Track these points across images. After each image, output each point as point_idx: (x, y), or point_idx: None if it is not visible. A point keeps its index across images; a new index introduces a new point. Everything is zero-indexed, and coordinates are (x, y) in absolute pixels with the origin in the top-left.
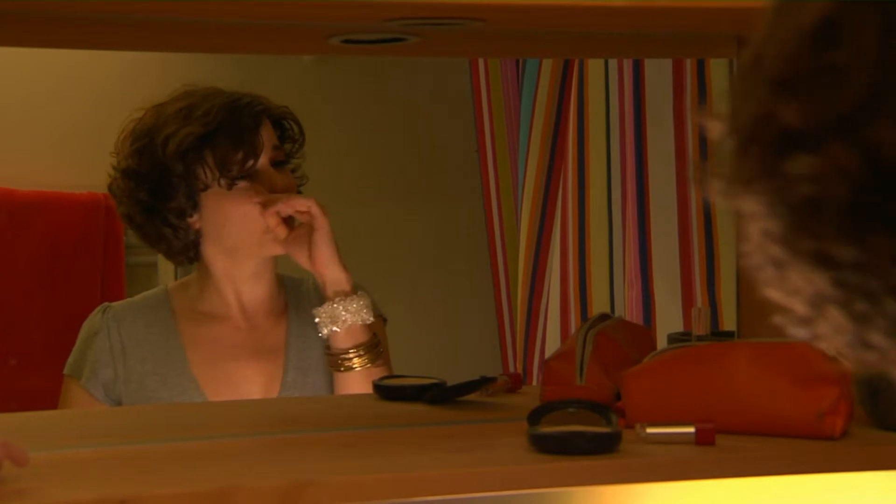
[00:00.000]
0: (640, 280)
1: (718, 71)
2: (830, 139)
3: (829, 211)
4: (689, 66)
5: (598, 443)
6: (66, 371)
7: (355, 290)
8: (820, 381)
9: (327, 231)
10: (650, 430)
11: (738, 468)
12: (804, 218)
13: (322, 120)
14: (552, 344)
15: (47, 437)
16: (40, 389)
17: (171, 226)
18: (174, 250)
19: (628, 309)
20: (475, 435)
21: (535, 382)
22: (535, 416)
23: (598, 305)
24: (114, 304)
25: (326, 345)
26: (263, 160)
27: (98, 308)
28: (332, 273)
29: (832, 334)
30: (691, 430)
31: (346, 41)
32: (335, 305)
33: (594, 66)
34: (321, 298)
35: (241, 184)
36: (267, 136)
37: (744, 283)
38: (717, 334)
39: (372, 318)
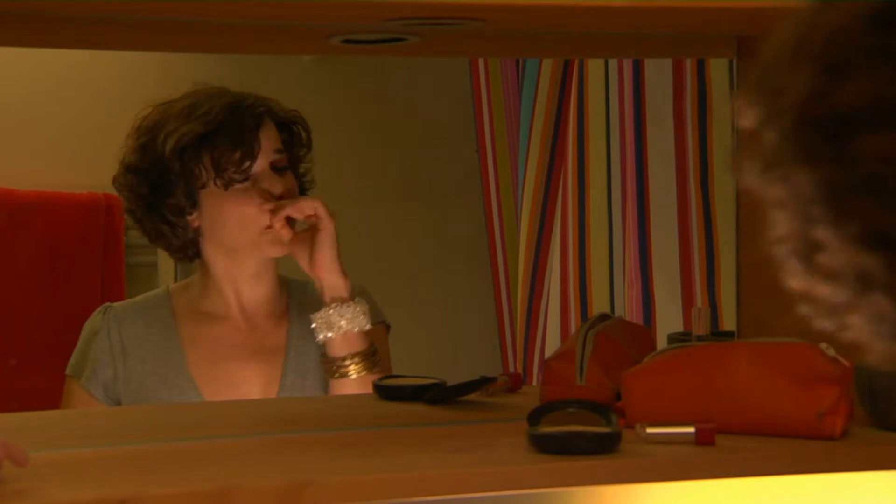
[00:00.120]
0: (640, 280)
1: (718, 71)
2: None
3: (888, 190)
4: (689, 66)
5: (598, 443)
6: (67, 371)
7: (353, 296)
8: (820, 381)
9: (331, 234)
10: (650, 430)
11: (738, 468)
12: (860, 198)
13: (322, 120)
14: (552, 344)
15: (47, 437)
16: (40, 389)
17: (169, 223)
18: (173, 247)
19: (628, 309)
20: (475, 435)
21: (535, 382)
22: (535, 416)
23: (598, 305)
24: (115, 304)
25: (322, 351)
26: (262, 163)
27: (99, 308)
28: (330, 278)
29: (868, 323)
30: (691, 430)
31: (346, 41)
32: (331, 312)
33: (594, 66)
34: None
35: (239, 185)
36: (268, 139)
37: (744, 283)
38: (717, 334)
39: (369, 326)
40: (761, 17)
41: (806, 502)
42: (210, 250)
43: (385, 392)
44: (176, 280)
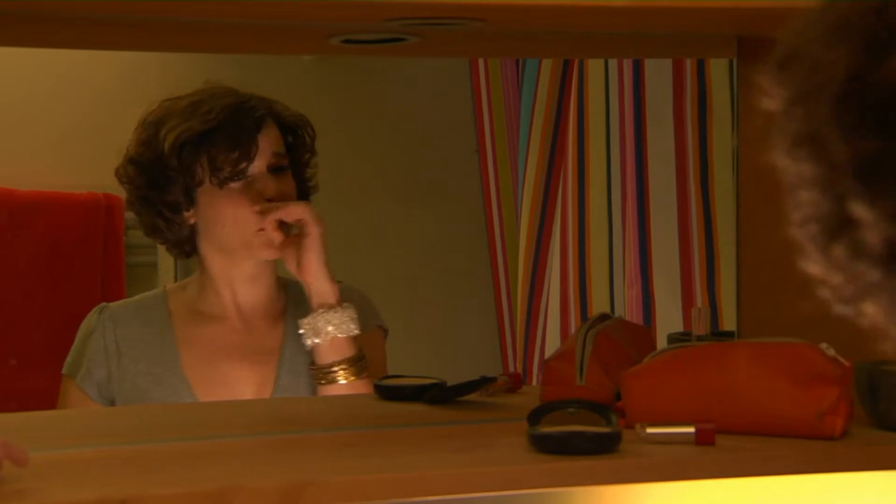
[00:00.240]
0: (640, 280)
1: (718, 71)
2: None
3: None
4: (689, 66)
5: (598, 443)
6: (63, 371)
7: (341, 301)
8: (820, 381)
9: (318, 238)
10: (650, 430)
11: (738, 468)
12: None
13: (322, 120)
14: (552, 344)
15: (47, 437)
16: (40, 389)
17: (165, 218)
18: (169, 242)
19: (628, 309)
20: (475, 435)
21: (535, 382)
22: (535, 416)
23: (598, 305)
24: (111, 304)
25: (311, 358)
26: (259, 164)
27: (95, 308)
28: (317, 283)
29: (891, 305)
30: (691, 430)
31: (346, 41)
32: (317, 318)
33: (594, 66)
34: None
35: (235, 185)
36: (268, 141)
37: (744, 283)
38: (717, 334)
39: (357, 331)
40: (761, 17)
41: (806, 502)
42: (206, 249)
43: (385, 392)
44: (176, 280)
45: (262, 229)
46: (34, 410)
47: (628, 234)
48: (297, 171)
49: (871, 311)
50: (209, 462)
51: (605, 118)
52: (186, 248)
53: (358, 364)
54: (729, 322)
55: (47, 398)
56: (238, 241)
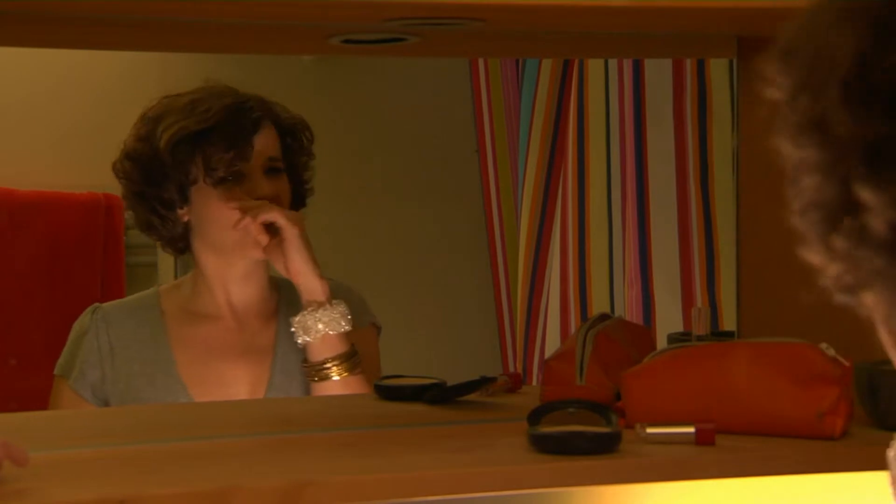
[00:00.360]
0: (640, 280)
1: (718, 71)
2: None
3: None
4: (689, 66)
5: (598, 443)
6: (56, 371)
7: (331, 298)
8: (820, 381)
9: (297, 239)
10: (650, 430)
11: (738, 468)
12: None
13: (322, 120)
14: (552, 344)
15: (47, 437)
16: (40, 389)
17: (159, 215)
18: (163, 239)
19: (628, 309)
20: (475, 435)
21: (535, 382)
22: (535, 416)
23: (598, 305)
24: (104, 304)
25: (303, 356)
26: (254, 165)
27: (88, 308)
28: (306, 282)
29: (892, 293)
30: (691, 430)
31: (346, 41)
32: (307, 316)
33: (594, 66)
34: None
35: (229, 185)
36: (264, 142)
37: (744, 283)
38: (717, 334)
39: (348, 328)
40: (761, 17)
41: (806, 502)
42: (199, 247)
43: (385, 392)
44: (176, 280)
45: (241, 226)
46: (34, 410)
47: (628, 234)
48: (293, 173)
49: (872, 300)
50: (208, 462)
51: (605, 118)
52: (180, 245)
53: (351, 360)
54: (729, 322)
55: (47, 398)
56: (230, 241)
